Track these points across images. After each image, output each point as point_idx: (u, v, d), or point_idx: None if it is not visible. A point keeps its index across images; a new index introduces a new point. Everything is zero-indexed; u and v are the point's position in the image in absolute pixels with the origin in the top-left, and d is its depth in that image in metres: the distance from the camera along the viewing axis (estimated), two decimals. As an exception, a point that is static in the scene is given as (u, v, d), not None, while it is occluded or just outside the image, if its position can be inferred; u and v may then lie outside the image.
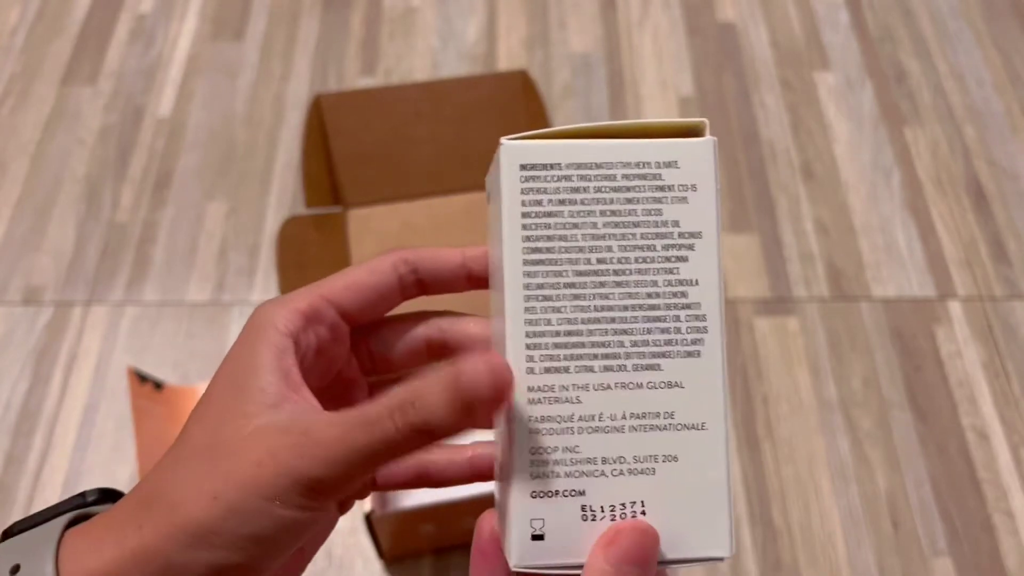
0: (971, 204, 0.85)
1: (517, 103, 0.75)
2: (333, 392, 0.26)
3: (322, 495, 0.20)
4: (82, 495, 0.24)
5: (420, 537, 0.63)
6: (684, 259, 0.21)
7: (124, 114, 0.91)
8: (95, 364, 0.75)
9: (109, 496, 0.24)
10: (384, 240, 0.75)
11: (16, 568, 0.20)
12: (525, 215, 0.21)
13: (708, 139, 0.23)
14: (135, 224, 0.84)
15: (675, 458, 0.21)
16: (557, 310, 0.21)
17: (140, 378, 0.68)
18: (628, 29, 0.98)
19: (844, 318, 0.78)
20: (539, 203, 0.21)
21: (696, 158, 0.23)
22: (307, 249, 0.67)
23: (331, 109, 0.73)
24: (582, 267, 0.21)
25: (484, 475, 0.26)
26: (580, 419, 0.21)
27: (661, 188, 0.22)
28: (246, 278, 0.80)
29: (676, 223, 0.21)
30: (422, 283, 0.25)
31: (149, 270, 0.81)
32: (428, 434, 0.20)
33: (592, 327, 0.21)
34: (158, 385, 0.70)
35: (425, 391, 0.20)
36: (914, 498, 0.69)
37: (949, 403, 0.73)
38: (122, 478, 0.70)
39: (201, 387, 0.72)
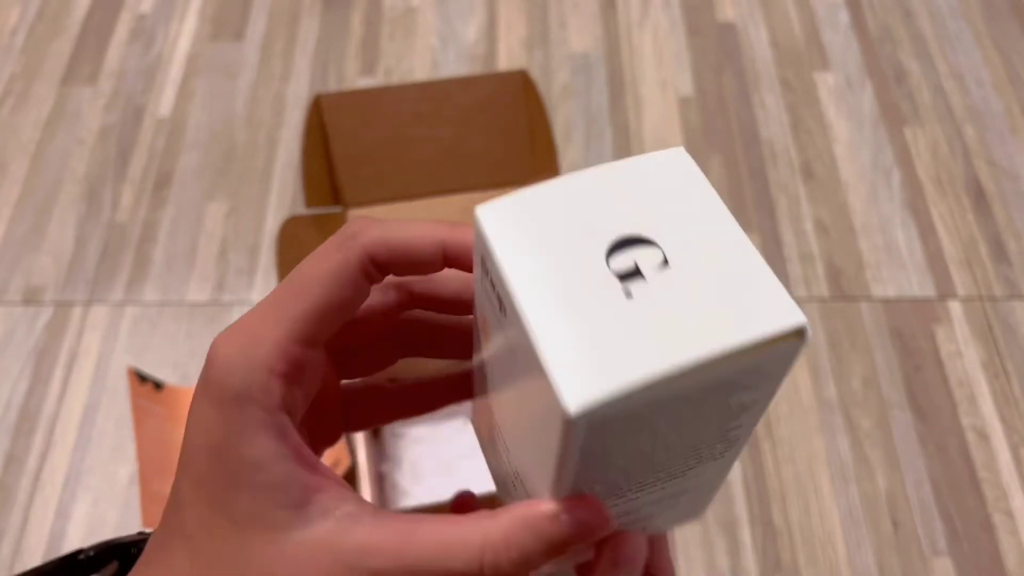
0: (971, 204, 0.85)
1: (517, 103, 0.75)
2: (311, 417, 0.22)
3: None
4: (75, 555, 0.21)
5: (420, 537, 0.63)
6: (738, 423, 0.19)
7: (124, 114, 0.91)
8: (95, 364, 0.75)
9: (108, 554, 0.22)
10: (384, 240, 0.75)
11: None
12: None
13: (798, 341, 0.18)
14: (135, 224, 0.84)
15: None
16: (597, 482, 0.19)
17: (140, 378, 0.68)
18: (628, 29, 0.98)
19: (844, 318, 0.78)
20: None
21: (781, 362, 0.18)
22: (307, 249, 0.67)
23: (331, 109, 0.73)
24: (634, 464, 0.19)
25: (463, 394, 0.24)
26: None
27: (737, 388, 0.18)
28: (246, 278, 0.80)
29: (741, 405, 0.19)
30: (390, 273, 0.21)
31: (149, 270, 0.81)
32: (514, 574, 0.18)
33: (635, 482, 0.20)
34: (158, 385, 0.70)
35: (526, 541, 0.18)
36: (914, 498, 0.69)
37: (949, 403, 0.73)
38: (122, 478, 0.70)
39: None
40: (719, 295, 0.17)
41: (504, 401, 0.20)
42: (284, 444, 0.18)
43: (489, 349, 0.20)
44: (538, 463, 0.19)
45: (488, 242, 0.18)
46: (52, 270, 0.81)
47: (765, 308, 0.17)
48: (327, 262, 0.19)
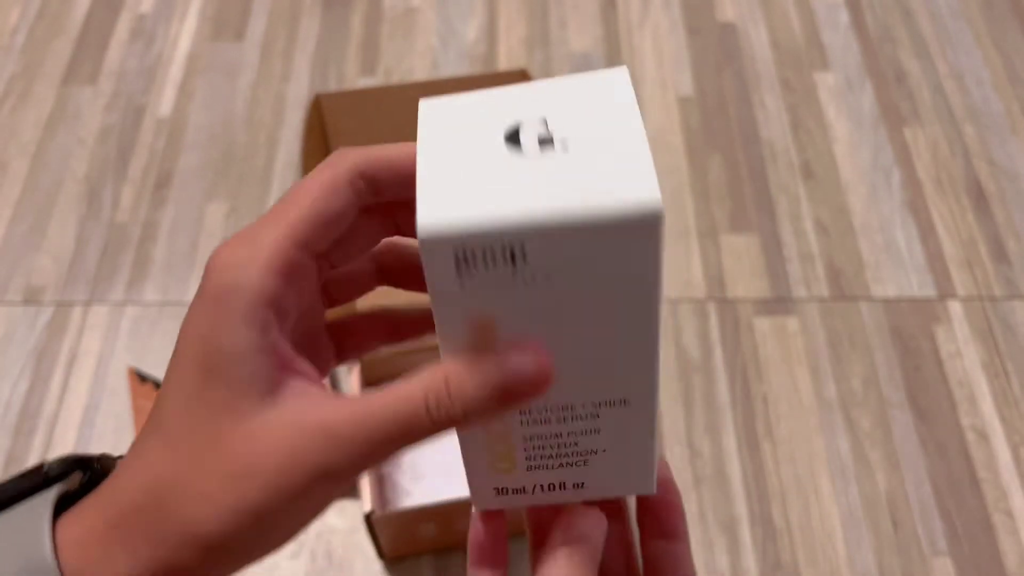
0: (971, 204, 0.85)
1: (517, 103, 0.74)
2: (301, 333, 0.23)
3: (346, 480, 0.20)
4: (39, 468, 0.22)
5: (420, 537, 0.63)
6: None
7: (124, 114, 0.91)
8: (95, 364, 0.75)
9: (76, 465, 0.22)
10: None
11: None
12: None
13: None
14: (135, 224, 0.84)
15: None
16: None
17: (140, 378, 0.68)
18: (628, 29, 0.98)
19: (844, 318, 0.78)
20: None
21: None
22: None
23: (331, 109, 0.73)
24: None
25: None
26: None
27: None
28: (246, 278, 0.80)
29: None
30: (377, 192, 0.22)
31: (149, 270, 0.81)
32: (461, 424, 0.20)
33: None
34: (158, 385, 0.70)
35: (464, 383, 0.20)
36: (914, 498, 0.69)
37: (949, 403, 0.73)
38: (122, 478, 0.70)
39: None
40: (589, 173, 0.19)
41: None
42: (263, 338, 0.20)
43: None
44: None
45: (419, 127, 0.21)
46: (52, 270, 0.81)
47: (628, 188, 0.19)
48: (318, 176, 0.21)
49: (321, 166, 0.21)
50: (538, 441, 0.23)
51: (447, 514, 0.60)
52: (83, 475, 0.22)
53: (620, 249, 0.19)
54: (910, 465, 0.71)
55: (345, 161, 0.21)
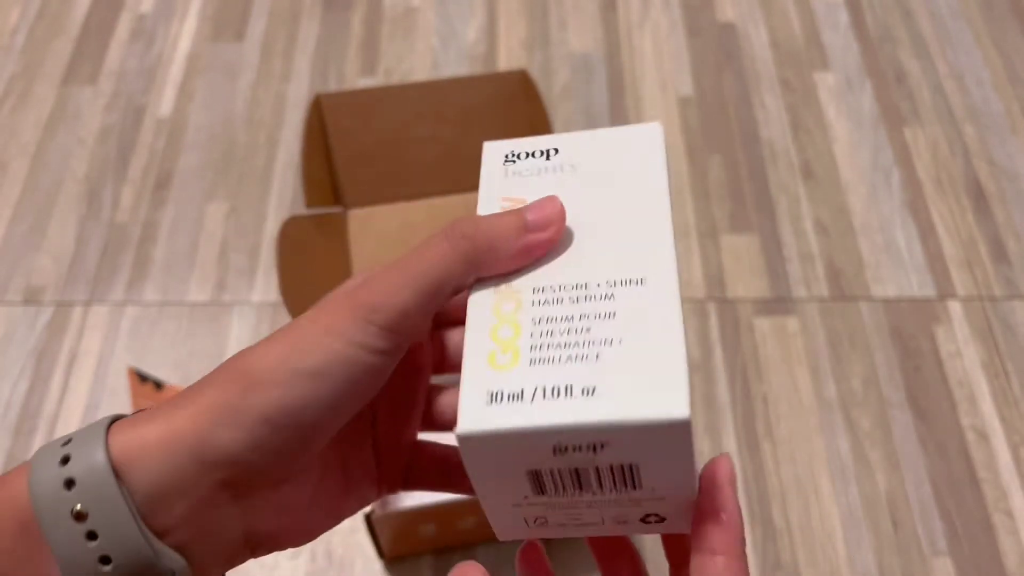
0: (971, 204, 0.85)
1: (517, 103, 0.75)
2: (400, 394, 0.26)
3: (389, 329, 0.21)
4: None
5: (420, 537, 0.63)
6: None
7: (124, 114, 0.91)
8: (95, 364, 0.75)
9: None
10: (384, 240, 0.75)
11: (66, 459, 0.20)
12: None
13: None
14: (135, 224, 0.84)
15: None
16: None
17: (140, 378, 0.68)
18: (628, 29, 0.98)
19: (844, 318, 0.78)
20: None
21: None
22: (307, 249, 0.67)
23: (331, 109, 0.73)
24: None
25: None
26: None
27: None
28: (246, 278, 0.80)
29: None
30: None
31: (149, 270, 0.81)
32: (483, 262, 0.22)
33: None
34: (158, 385, 0.70)
35: (489, 220, 0.23)
36: (914, 498, 0.69)
37: (949, 403, 0.73)
38: (122, 478, 0.70)
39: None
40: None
41: None
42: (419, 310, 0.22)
43: None
44: None
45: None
46: (52, 270, 0.81)
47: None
48: (441, 248, 0.23)
49: (443, 238, 0.23)
50: (547, 325, 0.21)
51: (447, 514, 0.60)
52: None
53: (631, 143, 0.25)
54: (910, 465, 0.71)
55: (452, 249, 0.23)
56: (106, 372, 0.75)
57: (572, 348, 0.20)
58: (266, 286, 0.80)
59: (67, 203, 0.85)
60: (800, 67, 0.95)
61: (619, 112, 0.91)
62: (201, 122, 0.91)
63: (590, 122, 0.90)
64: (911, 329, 0.77)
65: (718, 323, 0.77)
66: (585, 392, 0.19)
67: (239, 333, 0.77)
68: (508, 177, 0.25)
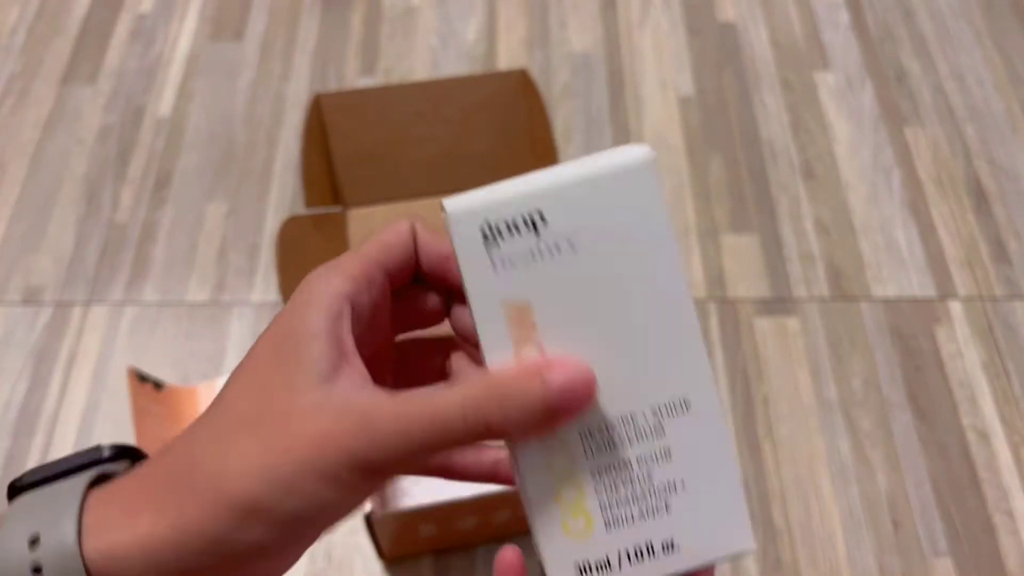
0: (971, 204, 0.85)
1: (517, 103, 0.74)
2: (369, 345, 0.25)
3: (378, 476, 0.20)
4: (97, 448, 0.23)
5: (420, 537, 0.63)
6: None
7: (124, 114, 0.91)
8: (95, 364, 0.75)
9: (126, 453, 0.23)
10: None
11: (35, 539, 0.19)
12: None
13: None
14: (135, 224, 0.84)
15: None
16: None
17: (140, 378, 0.68)
18: (628, 29, 0.98)
19: (844, 318, 0.78)
20: None
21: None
22: (307, 249, 0.67)
23: (331, 109, 0.73)
24: None
25: (503, 479, 0.26)
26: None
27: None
28: (246, 278, 0.80)
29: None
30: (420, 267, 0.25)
31: (149, 270, 0.81)
32: (499, 434, 0.20)
33: None
34: (158, 385, 0.69)
35: (508, 393, 0.20)
36: (914, 498, 0.69)
37: (949, 403, 0.73)
38: (122, 478, 0.70)
39: (202, 387, 0.72)
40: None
41: None
42: (333, 325, 0.21)
43: None
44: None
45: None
46: (52, 270, 0.81)
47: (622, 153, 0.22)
48: (384, 232, 0.24)
49: (387, 229, 0.25)
50: (609, 477, 0.21)
51: (447, 514, 0.60)
52: (131, 463, 0.23)
53: (625, 194, 0.22)
54: (910, 465, 0.70)
55: (404, 228, 0.25)
56: (106, 372, 0.75)
57: (641, 502, 0.21)
58: (266, 286, 0.80)
59: (66, 203, 0.85)
60: (800, 67, 0.95)
61: (619, 112, 0.91)
62: (201, 122, 0.91)
63: (590, 122, 0.90)
64: (912, 329, 0.77)
65: (718, 323, 0.77)
66: (665, 549, 0.21)
67: (239, 333, 0.77)
68: (498, 271, 0.21)
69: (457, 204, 0.21)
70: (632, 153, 0.22)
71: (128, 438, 0.72)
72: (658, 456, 0.21)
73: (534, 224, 0.21)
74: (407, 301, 0.26)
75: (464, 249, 0.21)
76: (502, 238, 0.21)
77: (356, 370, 0.21)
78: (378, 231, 0.25)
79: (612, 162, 0.22)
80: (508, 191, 0.21)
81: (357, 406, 0.20)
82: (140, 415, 0.67)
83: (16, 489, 0.22)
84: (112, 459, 0.23)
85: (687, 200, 0.85)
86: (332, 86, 0.93)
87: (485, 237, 0.21)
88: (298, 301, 0.22)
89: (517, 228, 0.21)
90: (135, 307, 0.79)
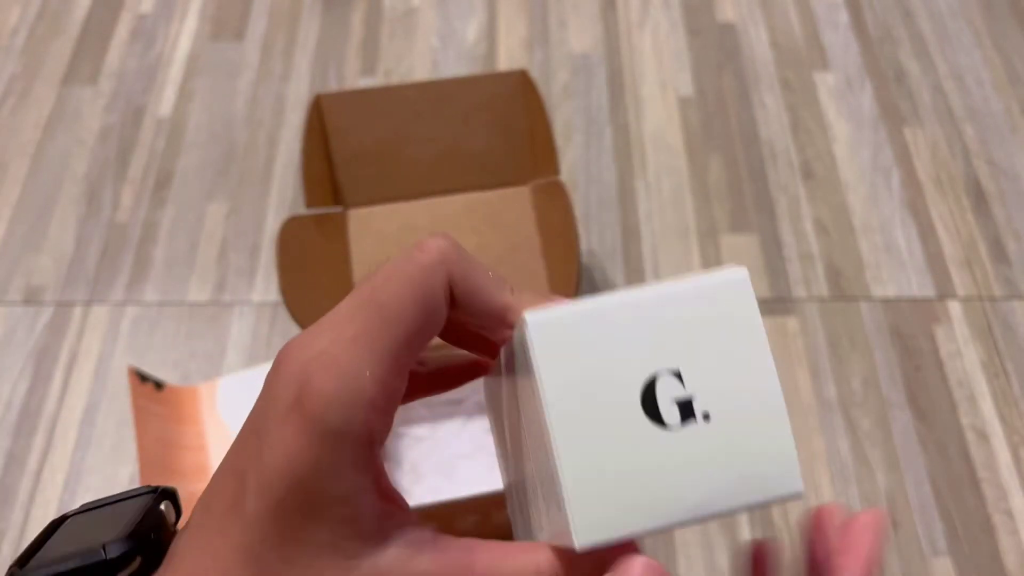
0: (971, 204, 0.85)
1: (517, 103, 0.75)
2: None
3: None
4: (97, 549, 0.20)
5: (420, 537, 0.63)
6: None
7: (124, 114, 0.91)
8: (96, 364, 0.75)
9: (131, 548, 0.20)
10: (384, 240, 0.75)
11: None
12: None
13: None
14: (135, 224, 0.84)
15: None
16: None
17: (141, 378, 0.68)
18: (628, 29, 0.98)
19: (844, 318, 0.78)
20: None
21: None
22: (308, 249, 0.68)
23: (331, 109, 0.73)
24: None
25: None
26: None
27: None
28: (246, 278, 0.80)
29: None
30: (460, 312, 0.21)
31: (149, 270, 0.81)
32: None
33: None
34: (159, 385, 0.70)
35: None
36: (914, 498, 0.69)
37: (949, 403, 0.73)
38: (123, 478, 0.70)
39: (202, 387, 0.72)
40: (733, 453, 0.19)
41: (531, 454, 0.21)
42: (368, 477, 0.19)
43: (519, 408, 0.21)
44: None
45: (534, 357, 0.19)
46: (52, 270, 0.81)
47: (771, 474, 0.19)
48: (412, 287, 0.19)
49: (414, 267, 0.19)
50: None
51: (448, 514, 0.60)
52: (141, 560, 0.21)
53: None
54: (910, 465, 0.71)
55: (442, 272, 0.20)
56: (106, 372, 0.75)
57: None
58: (266, 286, 0.80)
59: (67, 203, 0.85)
60: (800, 67, 0.95)
61: (619, 112, 0.91)
62: (201, 122, 0.91)
63: (590, 122, 0.90)
64: (911, 329, 0.77)
65: (718, 323, 0.77)
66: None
67: (239, 333, 0.77)
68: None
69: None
70: (727, 275, 0.20)
71: (129, 438, 0.72)
72: None
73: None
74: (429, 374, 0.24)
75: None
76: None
77: (399, 514, 0.20)
78: (400, 279, 0.19)
79: (711, 282, 0.20)
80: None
81: (413, 572, 0.19)
82: (140, 415, 0.67)
83: None
84: (120, 561, 0.20)
85: (687, 200, 0.85)
86: (332, 86, 0.93)
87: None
88: (318, 444, 0.18)
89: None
90: (136, 307, 0.79)
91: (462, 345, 0.24)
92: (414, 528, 0.19)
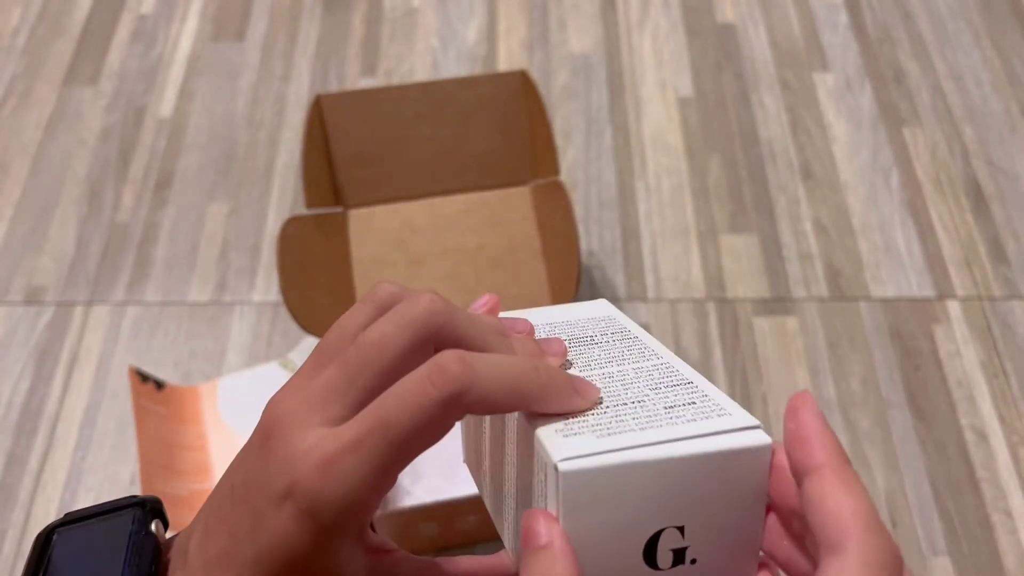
0: (970, 204, 0.85)
1: (517, 103, 0.75)
2: None
3: None
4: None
5: (420, 537, 0.63)
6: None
7: (125, 114, 0.91)
8: (96, 364, 0.76)
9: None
10: (384, 240, 0.75)
11: None
12: None
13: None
14: (136, 224, 0.84)
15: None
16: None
17: (141, 378, 0.68)
18: (628, 30, 0.98)
19: (843, 318, 0.78)
20: None
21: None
22: (308, 249, 0.68)
23: (331, 109, 0.73)
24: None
25: None
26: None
27: None
28: (247, 278, 0.81)
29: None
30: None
31: (150, 270, 0.81)
32: None
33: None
34: (159, 385, 0.70)
35: None
36: (913, 498, 0.69)
37: (948, 403, 0.74)
38: (123, 478, 0.70)
39: (203, 387, 0.72)
40: None
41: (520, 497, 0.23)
42: (359, 549, 0.20)
43: (514, 460, 0.23)
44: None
45: (561, 501, 0.20)
46: (53, 270, 0.81)
47: None
48: (425, 418, 0.19)
49: (436, 395, 0.19)
50: None
51: (447, 514, 0.60)
52: None
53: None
54: (909, 465, 0.71)
55: (461, 405, 0.19)
56: (107, 372, 0.75)
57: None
58: (267, 286, 0.80)
59: (68, 203, 0.85)
60: (800, 67, 0.95)
61: (619, 112, 0.91)
62: (202, 122, 0.91)
63: (590, 122, 0.91)
64: (910, 329, 0.77)
65: (717, 323, 0.78)
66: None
67: (240, 333, 0.77)
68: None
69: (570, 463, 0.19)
70: (751, 439, 0.21)
71: (130, 438, 0.72)
72: None
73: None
74: None
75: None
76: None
77: (395, 566, 0.21)
78: (417, 404, 0.19)
79: (729, 444, 0.20)
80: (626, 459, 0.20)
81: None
82: (141, 414, 0.67)
83: None
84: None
85: (686, 200, 0.85)
86: (333, 87, 0.93)
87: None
88: (317, 535, 0.19)
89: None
90: (136, 307, 0.79)
91: None
92: (403, 570, 0.21)
